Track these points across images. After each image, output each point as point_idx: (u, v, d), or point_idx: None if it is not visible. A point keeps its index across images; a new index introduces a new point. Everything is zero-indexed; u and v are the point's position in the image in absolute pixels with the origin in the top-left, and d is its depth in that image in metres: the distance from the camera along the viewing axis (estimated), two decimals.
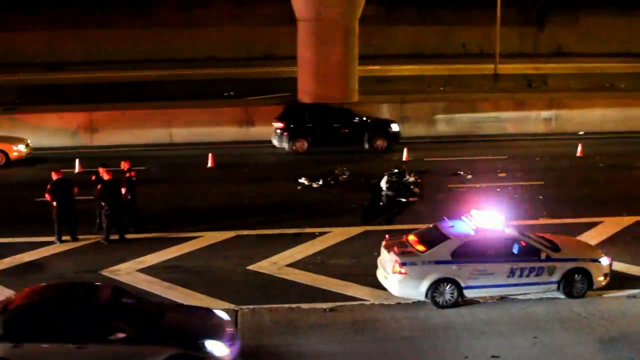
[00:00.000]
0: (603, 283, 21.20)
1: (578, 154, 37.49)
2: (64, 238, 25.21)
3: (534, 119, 42.98)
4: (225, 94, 50.26)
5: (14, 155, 36.02)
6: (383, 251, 21.33)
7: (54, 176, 25.27)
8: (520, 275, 20.58)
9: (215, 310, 18.66)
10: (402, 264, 20.22)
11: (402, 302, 20.64)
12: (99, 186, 25.28)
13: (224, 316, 18.35)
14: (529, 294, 20.90)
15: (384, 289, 21.01)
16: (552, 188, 31.89)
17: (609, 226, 27.01)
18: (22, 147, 36.40)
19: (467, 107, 43.26)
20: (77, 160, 34.71)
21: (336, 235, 26.13)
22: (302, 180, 32.45)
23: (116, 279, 22.28)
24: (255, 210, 29.13)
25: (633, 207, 29.08)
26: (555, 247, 21.24)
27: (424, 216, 26.82)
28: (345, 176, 33.05)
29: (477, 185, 32.19)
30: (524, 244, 20.83)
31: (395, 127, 39.03)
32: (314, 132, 38.15)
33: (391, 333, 19.08)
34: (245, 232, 26.45)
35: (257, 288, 21.84)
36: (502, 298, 20.89)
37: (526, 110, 43.18)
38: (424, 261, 20.31)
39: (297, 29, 44.82)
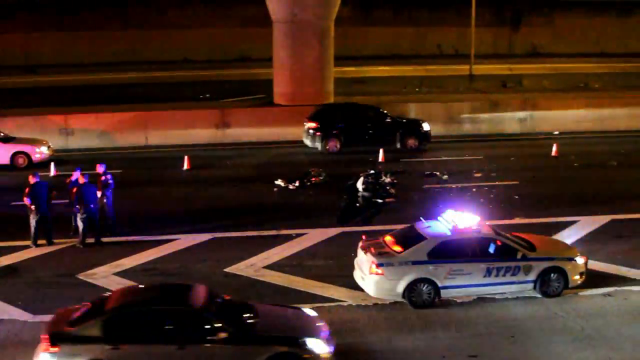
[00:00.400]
0: (579, 282, 21.32)
1: (553, 153, 37.69)
2: (39, 242, 25.05)
3: (509, 119, 43.15)
4: (201, 96, 50.18)
5: (36, 157, 35.90)
6: (360, 252, 21.34)
7: (31, 180, 25.11)
8: (497, 275, 20.66)
9: (303, 309, 18.77)
10: (379, 265, 20.24)
11: (379, 302, 20.66)
12: (74, 190, 25.15)
13: (313, 313, 18.44)
14: (505, 293, 20.98)
15: (361, 289, 21.03)
16: (528, 188, 32.05)
17: (584, 225, 27.16)
18: (44, 149, 36.28)
19: (442, 107, 43.40)
20: (52, 164, 34.53)
21: (313, 236, 26.13)
22: (279, 182, 32.43)
23: (93, 282, 22.18)
24: (231, 212, 29.08)
25: (608, 206, 29.28)
26: (531, 247, 21.34)
27: (400, 217, 26.84)
28: (321, 177, 33.05)
29: (453, 186, 32.29)
30: (500, 243, 20.91)
31: (426, 127, 39.39)
32: (346, 132, 38.42)
33: (368, 334, 19.10)
34: (222, 235, 26.40)
35: (234, 290, 21.67)
36: (479, 298, 20.96)
37: (501, 111, 43.35)
38: (400, 262, 20.35)
39: (272, 31, 44.80)
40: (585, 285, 21.51)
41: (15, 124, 38.58)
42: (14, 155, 35.65)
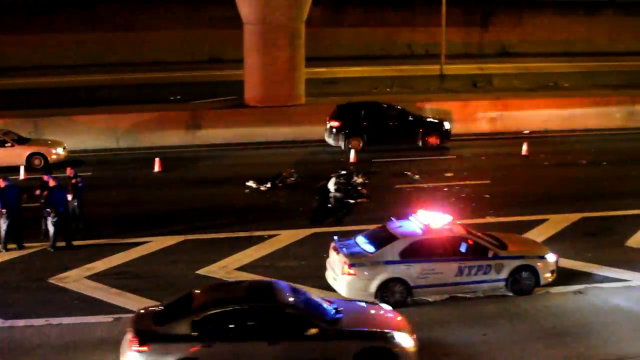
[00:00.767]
0: (550, 279, 21.46)
1: (523, 152, 37.88)
2: (9, 246, 24.85)
3: (480, 119, 43.30)
4: (172, 98, 49.95)
5: (52, 158, 35.86)
6: (332, 252, 21.37)
7: (1, 184, 24.91)
8: (469, 274, 20.76)
9: (380, 304, 18.96)
10: (351, 265, 20.27)
11: None
12: (44, 193, 24.99)
13: (388, 307, 18.65)
14: (477, 292, 21.08)
15: (334, 290, 21.02)
16: (499, 187, 32.21)
17: (555, 223, 27.35)
18: (60, 150, 36.27)
19: (415, 108, 43.48)
20: (21, 167, 34.30)
21: (285, 237, 26.12)
22: (250, 183, 32.37)
23: (64, 286, 22.05)
24: (203, 214, 29.00)
25: (578, 203, 29.49)
26: (502, 245, 21.45)
27: (372, 217, 26.89)
28: (293, 178, 33.05)
29: (425, 185, 32.40)
30: (471, 242, 21.01)
31: (447, 125, 39.79)
32: (369, 131, 38.71)
33: None
34: (194, 237, 26.32)
35: None
36: (451, 297, 21.03)
37: (471, 110, 43.52)
38: (372, 262, 20.39)
39: (243, 32, 44.72)
40: (556, 282, 21.67)
41: None
42: (30, 156, 35.64)
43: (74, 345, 18.46)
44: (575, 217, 28.10)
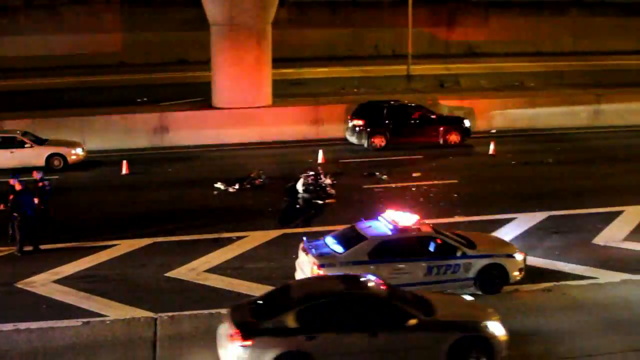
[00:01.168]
0: (518, 278, 21.57)
1: (490, 152, 38.10)
2: None
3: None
4: (139, 100, 49.71)
5: (72, 158, 36.03)
6: (301, 253, 21.35)
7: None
8: (438, 273, 20.82)
9: (462, 295, 19.54)
10: (320, 266, 20.26)
11: None
12: (10, 197, 24.78)
13: (472, 298, 19.19)
14: (446, 291, 21.14)
15: None
16: (466, 186, 32.37)
17: (522, 222, 27.52)
18: (79, 151, 36.42)
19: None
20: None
21: (254, 239, 26.09)
22: (218, 185, 32.32)
23: (32, 291, 21.86)
24: (171, 216, 28.90)
25: (545, 202, 29.69)
26: (470, 244, 21.53)
27: (340, 217, 26.92)
28: (261, 180, 33.02)
29: (393, 185, 32.49)
30: (440, 242, 21.07)
31: (467, 123, 40.65)
32: (392, 129, 39.33)
33: None
34: (163, 239, 26.22)
35: (176, 295, 21.66)
36: None
37: (438, 110, 43.62)
38: (341, 262, 20.39)
39: (210, 34, 44.59)
40: (524, 281, 21.78)
41: None
42: (50, 157, 35.77)
43: (43, 350, 18.29)
44: (542, 215, 28.30)
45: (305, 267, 20.79)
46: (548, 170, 35.34)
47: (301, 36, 66.33)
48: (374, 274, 18.76)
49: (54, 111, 43.25)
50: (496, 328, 17.17)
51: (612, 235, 26.26)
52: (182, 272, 23.21)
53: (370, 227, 21.46)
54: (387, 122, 39.52)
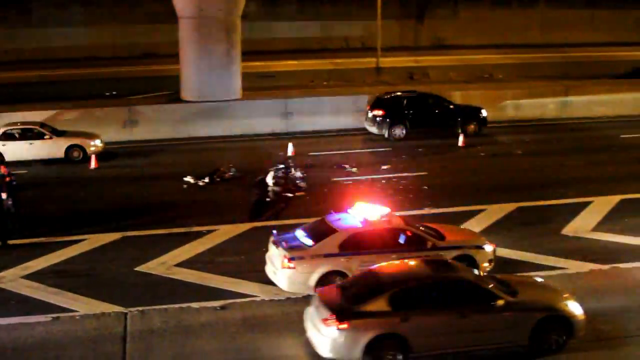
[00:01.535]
0: (488, 269, 21.67)
1: (460, 144, 38.22)
2: None
3: None
4: (107, 93, 49.48)
5: (91, 150, 35.90)
6: (271, 246, 21.35)
7: None
8: None
9: (535, 277, 20.39)
10: (291, 259, 20.28)
11: (292, 296, 20.70)
12: None
13: (542, 279, 20.13)
14: None
15: (274, 284, 21.02)
16: (436, 178, 32.48)
17: (492, 213, 27.68)
18: (98, 142, 36.41)
19: (350, 99, 43.61)
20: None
21: (224, 232, 26.05)
22: (188, 178, 32.22)
23: (0, 286, 21.68)
24: (141, 210, 28.79)
25: (514, 194, 29.88)
26: (440, 236, 21.61)
27: (310, 210, 26.95)
28: (231, 173, 32.95)
29: (363, 178, 32.54)
30: (410, 234, 21.13)
31: (484, 113, 41.01)
32: (412, 119, 39.81)
33: (282, 328, 19.11)
34: (132, 233, 26.11)
35: (146, 289, 21.60)
36: None
37: None
38: (312, 255, 20.41)
39: (178, 27, 44.39)
40: (494, 271, 21.87)
41: None
42: (69, 148, 35.74)
43: (12, 346, 18.18)
44: (511, 206, 28.47)
45: (276, 260, 20.79)
46: (517, 161, 35.53)
47: (271, 29, 66.31)
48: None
49: (21, 105, 42.79)
50: (575, 307, 17.88)
51: (581, 226, 26.48)
52: (152, 267, 23.13)
53: (340, 219, 21.47)
54: (407, 112, 40.00)
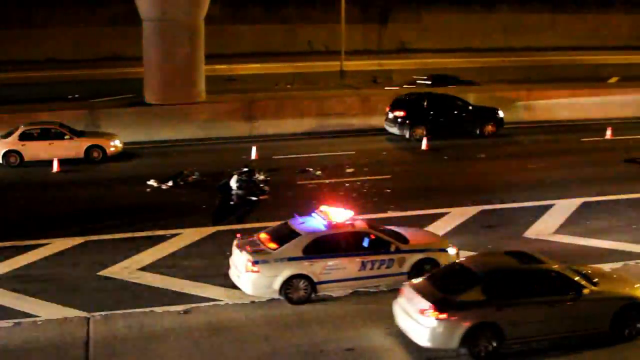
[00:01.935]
0: None
1: (423, 147, 38.38)
2: None
3: (380, 114, 43.60)
4: (70, 96, 49.13)
5: (110, 150, 36.12)
6: (235, 250, 21.32)
7: None
8: (372, 268, 20.96)
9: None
10: (255, 263, 20.27)
11: (257, 300, 20.70)
12: None
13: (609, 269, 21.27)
14: (381, 285, 21.30)
15: (238, 288, 21.00)
16: (399, 181, 32.59)
17: (455, 216, 27.83)
18: (117, 142, 36.51)
19: (314, 103, 43.68)
20: (55, 161, 33.81)
21: (187, 236, 25.96)
22: (151, 182, 32.07)
23: None
24: (104, 214, 28.60)
25: (477, 196, 30.04)
26: (404, 239, 21.70)
27: (274, 214, 26.90)
28: (194, 177, 32.85)
29: (327, 181, 32.57)
30: (373, 237, 21.19)
31: (501, 114, 41.90)
32: (432, 120, 40.51)
33: (247, 332, 19.10)
34: (95, 237, 25.93)
35: (109, 294, 21.47)
36: (355, 291, 21.20)
37: (372, 105, 43.83)
38: (276, 259, 20.42)
39: (142, 30, 44.20)
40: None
41: None
42: (89, 148, 35.81)
43: None
44: (474, 209, 28.64)
45: (240, 264, 20.76)
46: (480, 165, 35.73)
47: (235, 32, 66.27)
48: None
49: None
50: None
51: (543, 229, 26.70)
52: (115, 271, 23.00)
53: (304, 223, 21.50)
54: (427, 113, 40.58)
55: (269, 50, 66.46)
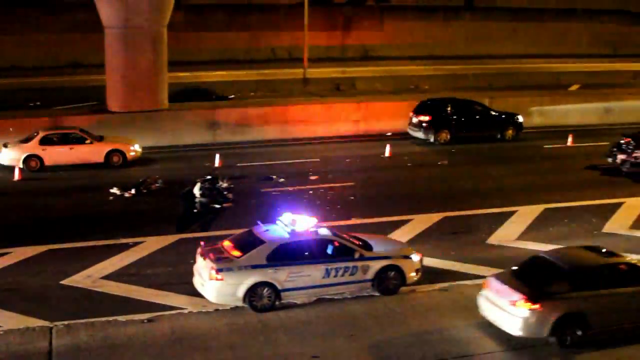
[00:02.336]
0: (415, 278, 21.91)
1: (387, 154, 38.51)
2: None
3: (343, 121, 43.74)
4: (31, 104, 48.69)
5: (130, 155, 36.28)
6: (199, 258, 21.26)
7: None
8: (336, 275, 20.99)
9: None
10: (218, 270, 20.22)
11: (221, 308, 20.66)
12: None
13: None
14: (345, 293, 21.34)
15: (202, 296, 20.93)
16: (363, 189, 32.65)
17: (419, 223, 27.93)
18: (137, 147, 36.74)
19: (278, 111, 43.66)
20: (16, 168, 33.58)
21: (150, 244, 25.82)
22: (114, 190, 31.87)
23: None
24: (67, 222, 28.38)
25: (440, 203, 30.19)
26: (368, 246, 21.77)
27: (238, 221, 26.85)
28: (158, 184, 32.69)
29: (290, 189, 32.57)
30: (337, 244, 21.23)
31: (520, 119, 43.30)
32: (456, 125, 41.65)
33: (211, 340, 19.04)
34: (57, 246, 25.70)
35: (72, 303, 21.30)
36: (319, 299, 21.22)
37: (335, 113, 43.91)
38: (240, 266, 20.39)
39: (104, 37, 43.92)
40: (421, 281, 22.14)
41: None
42: (109, 153, 35.89)
43: None
44: (438, 216, 28.78)
45: (204, 271, 20.70)
46: (443, 171, 35.91)
47: (198, 40, 66.05)
48: None
49: None
50: None
51: (505, 235, 26.92)
52: (77, 280, 22.82)
53: (267, 230, 21.51)
54: (451, 118, 41.47)
55: (233, 57, 66.33)
